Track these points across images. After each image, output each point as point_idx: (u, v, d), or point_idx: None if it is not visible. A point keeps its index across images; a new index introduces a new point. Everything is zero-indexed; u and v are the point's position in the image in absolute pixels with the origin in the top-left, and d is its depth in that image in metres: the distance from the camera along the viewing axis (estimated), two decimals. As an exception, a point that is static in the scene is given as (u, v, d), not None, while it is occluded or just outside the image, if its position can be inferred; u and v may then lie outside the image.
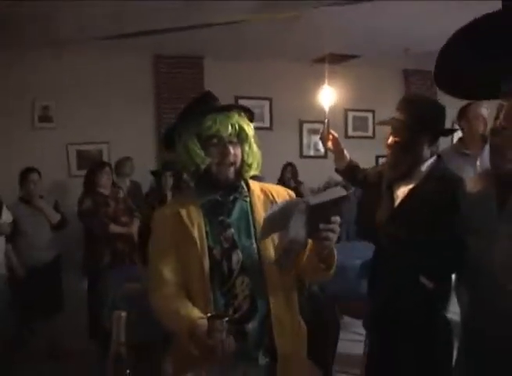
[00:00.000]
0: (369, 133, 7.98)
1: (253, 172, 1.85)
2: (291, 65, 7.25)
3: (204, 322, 1.48)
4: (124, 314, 1.20)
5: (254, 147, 1.83)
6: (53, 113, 6.49)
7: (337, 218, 1.55)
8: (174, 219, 1.76)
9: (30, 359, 4.10)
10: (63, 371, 3.96)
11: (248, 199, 1.82)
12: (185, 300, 1.69)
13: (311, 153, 7.80)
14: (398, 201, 2.43)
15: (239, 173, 1.80)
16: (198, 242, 1.71)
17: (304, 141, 7.83)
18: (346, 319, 4.07)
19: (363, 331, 3.79)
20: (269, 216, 1.58)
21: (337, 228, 1.55)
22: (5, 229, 3.98)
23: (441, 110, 2.46)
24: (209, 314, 1.52)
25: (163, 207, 1.95)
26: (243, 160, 1.80)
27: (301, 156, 7.79)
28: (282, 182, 6.80)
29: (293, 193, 1.93)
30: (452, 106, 7.40)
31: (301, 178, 6.95)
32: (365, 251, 2.97)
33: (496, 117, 1.64)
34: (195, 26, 4.88)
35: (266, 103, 7.60)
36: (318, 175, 7.04)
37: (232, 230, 1.76)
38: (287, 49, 6.67)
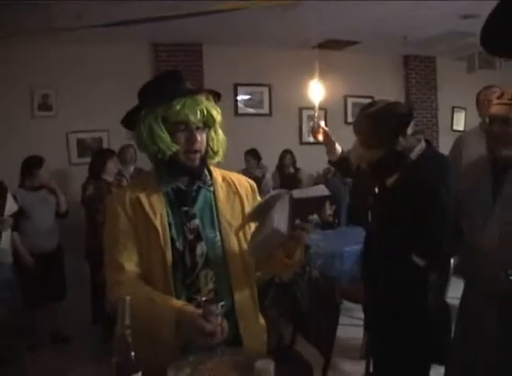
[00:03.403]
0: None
1: (217, 159, 1.77)
2: (290, 51, 7.22)
3: (191, 308, 1.48)
4: (128, 298, 1.23)
5: (220, 133, 1.75)
6: (53, 101, 6.50)
7: (314, 217, 1.52)
8: (134, 205, 1.66)
9: (35, 344, 4.16)
10: (67, 355, 4.01)
11: (212, 188, 1.74)
12: (154, 290, 1.58)
13: (311, 139, 7.79)
14: (389, 185, 2.47)
15: (204, 160, 1.71)
16: (161, 233, 1.62)
17: (304, 127, 7.83)
18: (346, 303, 4.11)
19: (362, 316, 3.85)
20: (253, 208, 1.55)
21: (310, 228, 1.51)
22: (7, 224, 3.96)
23: (396, 117, 2.38)
24: (203, 298, 1.53)
25: (120, 190, 1.83)
26: (208, 147, 1.71)
27: (301, 142, 7.79)
28: (280, 168, 6.82)
29: (253, 183, 1.87)
30: (452, 92, 7.31)
31: (300, 164, 6.96)
32: (363, 236, 3.00)
33: (495, 104, 1.67)
34: (193, 13, 4.87)
35: (265, 90, 7.58)
36: (318, 161, 7.04)
37: (197, 221, 1.68)
38: (286, 36, 6.64)
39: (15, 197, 4.14)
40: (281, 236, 1.46)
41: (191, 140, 1.64)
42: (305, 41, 7.01)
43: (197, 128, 1.66)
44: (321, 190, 1.48)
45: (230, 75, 7.06)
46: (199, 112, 1.63)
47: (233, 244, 1.69)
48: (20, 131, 6.10)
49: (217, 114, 1.70)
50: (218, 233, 1.69)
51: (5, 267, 3.92)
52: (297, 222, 1.48)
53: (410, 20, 6.00)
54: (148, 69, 6.88)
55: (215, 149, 1.74)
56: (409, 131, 2.47)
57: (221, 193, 1.74)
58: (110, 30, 5.54)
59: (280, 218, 1.43)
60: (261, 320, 1.82)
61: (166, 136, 1.63)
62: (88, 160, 4.89)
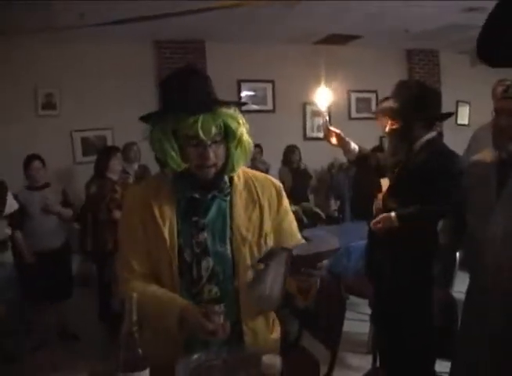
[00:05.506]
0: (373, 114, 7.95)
1: (233, 174, 1.64)
2: (293, 47, 7.21)
3: (196, 307, 1.48)
4: (135, 294, 1.23)
5: (244, 143, 1.59)
6: (56, 100, 6.52)
7: (323, 264, 1.42)
8: (146, 209, 1.60)
9: (40, 342, 4.18)
10: (74, 353, 4.03)
11: (228, 197, 1.63)
12: (161, 288, 1.59)
13: (315, 135, 7.78)
14: (395, 175, 2.50)
15: (223, 172, 1.60)
16: (168, 241, 1.57)
17: (308, 123, 7.82)
18: (352, 298, 4.12)
19: (368, 311, 3.85)
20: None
21: (320, 274, 1.43)
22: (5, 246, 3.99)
23: (434, 95, 2.50)
24: (205, 298, 1.55)
25: (134, 190, 1.75)
26: (227, 159, 1.59)
27: (305, 138, 7.78)
28: (288, 164, 6.80)
29: (280, 185, 1.74)
30: (455, 85, 7.27)
31: (305, 160, 6.95)
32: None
33: (501, 98, 1.66)
34: (195, 10, 4.86)
35: (269, 86, 7.57)
36: (322, 156, 7.04)
37: (205, 234, 1.59)
38: (289, 31, 6.63)
39: (16, 196, 4.15)
40: (273, 303, 1.41)
41: (203, 156, 1.52)
42: (308, 36, 6.99)
43: (213, 141, 1.53)
44: (329, 245, 1.38)
45: (233, 71, 7.04)
46: (214, 127, 1.50)
47: (244, 258, 1.60)
48: (25, 130, 6.10)
49: (237, 127, 1.55)
50: (228, 247, 1.60)
51: (5, 267, 3.94)
52: (303, 269, 1.40)
53: (413, 13, 5.97)
54: (151, 67, 6.88)
55: (234, 162, 1.60)
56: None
57: (240, 202, 1.63)
58: (113, 29, 5.54)
59: (272, 283, 1.36)
60: (276, 324, 1.78)
61: (175, 153, 1.53)
62: (92, 158, 4.90)
